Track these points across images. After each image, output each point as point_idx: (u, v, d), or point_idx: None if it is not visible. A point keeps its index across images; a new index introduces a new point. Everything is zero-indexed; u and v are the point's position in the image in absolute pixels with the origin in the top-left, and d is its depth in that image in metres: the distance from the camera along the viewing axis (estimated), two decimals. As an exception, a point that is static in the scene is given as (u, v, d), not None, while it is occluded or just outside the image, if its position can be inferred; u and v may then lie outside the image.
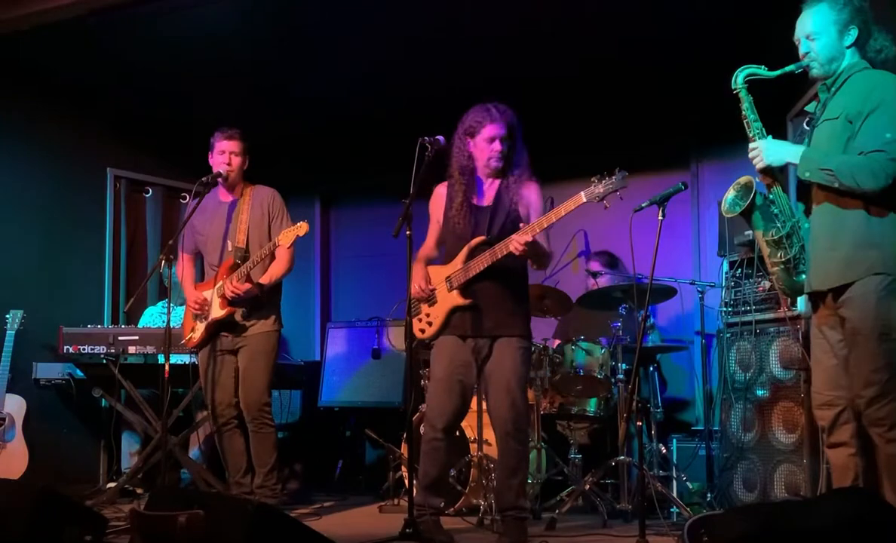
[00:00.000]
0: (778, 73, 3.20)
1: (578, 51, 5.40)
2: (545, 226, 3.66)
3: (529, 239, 3.61)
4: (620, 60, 5.49)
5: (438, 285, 3.92)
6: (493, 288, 3.83)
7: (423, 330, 3.97)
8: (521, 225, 3.78)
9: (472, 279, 3.82)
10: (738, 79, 3.24)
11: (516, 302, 3.89)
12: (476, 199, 3.95)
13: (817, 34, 3.14)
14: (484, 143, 3.88)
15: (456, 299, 3.86)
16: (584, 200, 3.57)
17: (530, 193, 3.91)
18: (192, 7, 5.08)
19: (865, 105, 3.00)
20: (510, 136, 3.88)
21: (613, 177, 3.52)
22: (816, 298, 3.18)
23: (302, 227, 4.28)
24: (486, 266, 3.77)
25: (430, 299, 3.94)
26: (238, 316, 4.52)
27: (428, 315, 3.95)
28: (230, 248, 4.58)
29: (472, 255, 3.83)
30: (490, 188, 3.96)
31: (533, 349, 4.88)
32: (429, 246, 4.09)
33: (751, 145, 3.22)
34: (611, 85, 5.77)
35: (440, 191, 4.04)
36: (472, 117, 3.90)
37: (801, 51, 3.19)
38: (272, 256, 4.51)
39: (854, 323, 3.02)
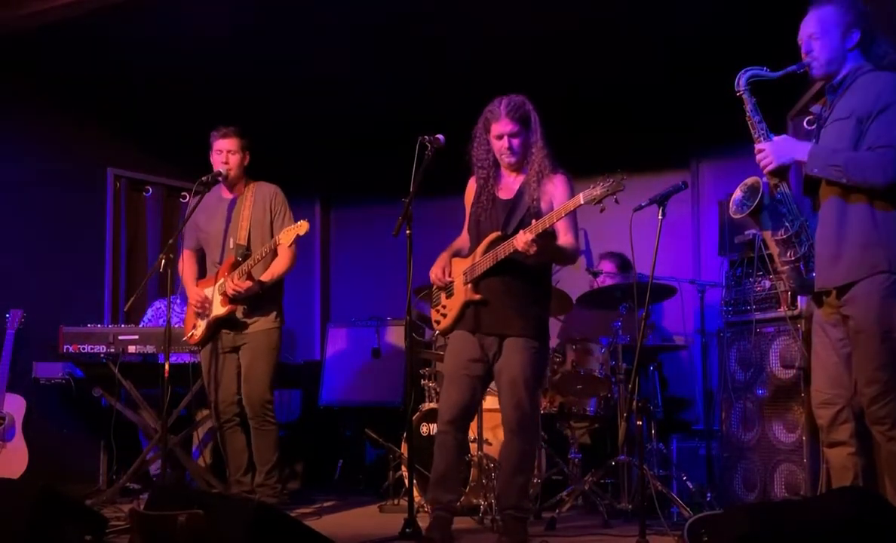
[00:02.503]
0: (780, 73, 3.19)
1: (579, 50, 5.41)
2: (546, 225, 3.62)
3: (531, 237, 3.56)
4: (621, 60, 5.49)
5: (457, 277, 3.91)
6: (505, 285, 3.79)
7: (438, 321, 3.98)
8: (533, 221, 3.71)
9: (485, 274, 3.79)
10: (741, 80, 3.23)
11: (529, 301, 3.82)
12: (500, 192, 3.92)
13: (820, 35, 3.14)
14: (494, 140, 3.86)
15: (469, 293, 3.84)
16: (583, 202, 3.53)
17: (554, 188, 3.83)
18: (193, 7, 5.07)
19: (876, 104, 3.01)
20: (523, 130, 3.82)
21: (611, 180, 3.48)
22: (819, 295, 3.18)
23: (302, 226, 4.28)
24: (494, 262, 3.74)
25: (448, 290, 3.93)
26: (239, 314, 4.52)
27: (444, 306, 3.95)
28: (231, 246, 4.58)
29: (488, 250, 3.80)
30: (514, 182, 3.92)
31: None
32: (463, 237, 4.07)
33: (757, 147, 3.20)
34: (611, 84, 5.78)
35: (472, 183, 4.03)
36: (487, 112, 3.87)
37: (803, 50, 3.20)
38: (274, 253, 4.52)
39: (857, 322, 3.02)
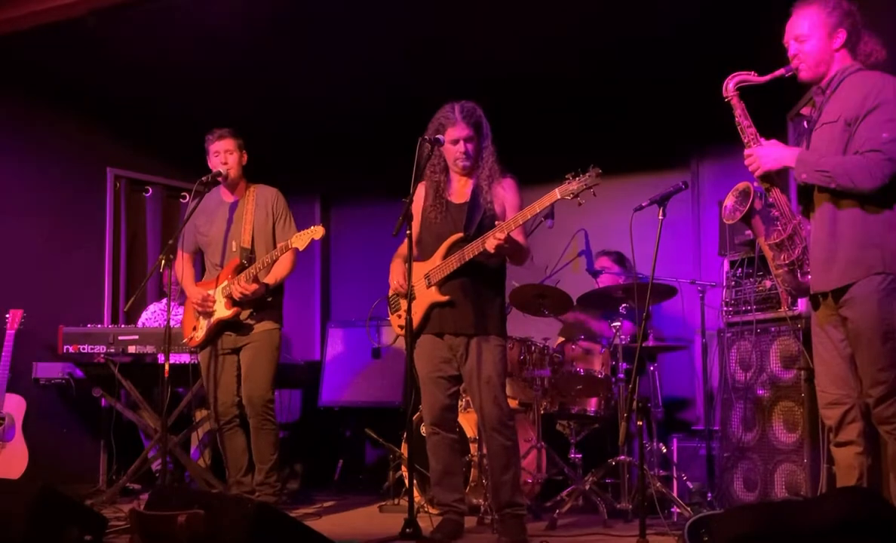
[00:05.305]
0: (768, 78, 3.19)
1: (578, 50, 5.40)
2: (520, 222, 3.72)
3: (503, 236, 3.65)
4: (621, 59, 5.49)
5: (417, 282, 3.95)
6: (470, 285, 3.88)
7: (402, 326, 4.02)
8: (497, 222, 3.81)
9: (450, 276, 3.86)
10: (730, 85, 3.24)
11: (492, 299, 3.93)
12: (452, 197, 4.00)
13: (806, 36, 3.14)
14: (448, 145, 3.91)
15: (434, 295, 3.90)
16: (559, 197, 3.63)
17: (505, 191, 3.95)
18: (193, 7, 5.07)
19: (863, 107, 3.01)
20: (476, 136, 3.91)
21: (587, 175, 3.57)
22: (816, 298, 3.18)
23: (318, 231, 4.30)
24: (462, 263, 3.81)
25: (410, 295, 3.97)
26: (244, 316, 4.53)
27: (407, 311, 3.98)
28: (234, 248, 4.58)
29: (449, 252, 3.88)
30: (465, 186, 4.00)
31: (532, 348, 4.91)
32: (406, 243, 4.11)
33: (746, 152, 3.22)
34: (611, 84, 5.78)
35: (419, 191, 4.08)
36: (439, 118, 3.93)
37: (790, 53, 3.20)
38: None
39: (856, 324, 3.02)
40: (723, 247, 4.72)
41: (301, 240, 4.30)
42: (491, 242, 3.68)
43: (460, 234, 3.89)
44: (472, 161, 3.94)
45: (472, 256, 3.79)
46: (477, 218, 3.89)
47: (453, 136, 3.89)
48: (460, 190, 4.00)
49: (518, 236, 3.83)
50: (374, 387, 6.04)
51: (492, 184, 3.93)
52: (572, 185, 3.59)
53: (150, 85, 5.92)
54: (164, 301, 5.67)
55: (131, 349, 5.22)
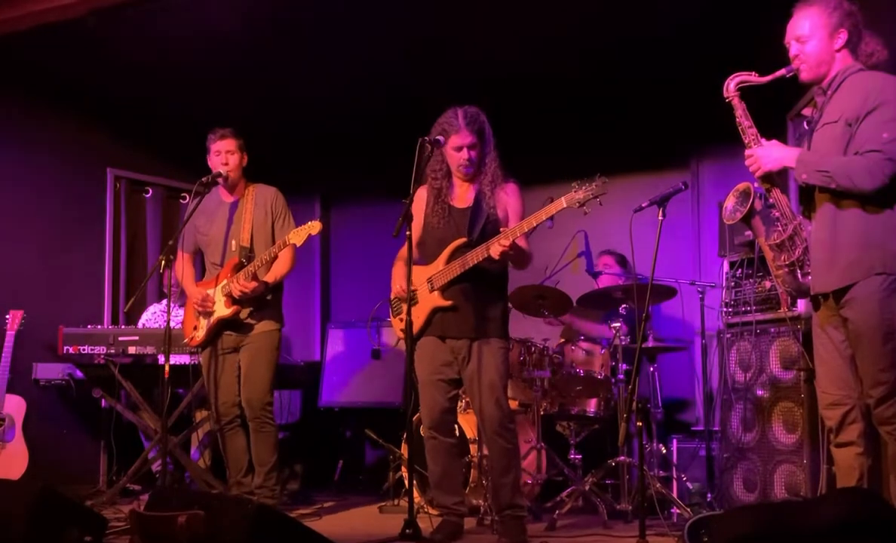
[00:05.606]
0: (769, 78, 3.19)
1: (578, 50, 5.40)
2: (525, 230, 3.71)
3: (508, 243, 3.65)
4: (621, 59, 5.49)
5: (420, 286, 3.95)
6: (473, 290, 3.88)
7: (404, 330, 4.01)
8: (501, 228, 3.81)
9: (453, 280, 3.86)
10: (730, 86, 3.24)
11: (495, 303, 3.94)
12: (455, 202, 4.00)
13: (807, 37, 3.14)
14: (452, 151, 3.91)
15: (437, 300, 3.91)
16: (565, 206, 3.61)
17: (508, 196, 3.95)
18: (193, 7, 5.07)
19: (864, 106, 3.00)
20: (479, 142, 3.90)
21: (594, 183, 3.56)
22: (816, 299, 3.18)
23: (315, 226, 4.29)
24: (466, 268, 3.81)
25: (412, 299, 3.97)
26: (244, 315, 4.53)
27: (407, 312, 3.99)
28: (234, 248, 4.58)
29: (453, 257, 3.88)
30: (468, 191, 4.00)
31: (532, 349, 4.91)
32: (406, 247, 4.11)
33: (747, 152, 3.22)
34: (611, 84, 5.78)
35: (420, 194, 4.07)
36: (442, 123, 3.92)
37: (791, 53, 3.20)
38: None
39: (857, 325, 3.02)
40: (723, 247, 4.72)
41: (299, 235, 4.30)
42: (496, 249, 3.68)
43: (463, 239, 3.89)
44: (475, 167, 3.94)
45: (475, 262, 3.78)
46: (480, 223, 3.89)
47: (456, 143, 3.88)
48: (463, 195, 4.01)
49: (522, 242, 3.82)
50: (375, 388, 6.04)
51: (494, 189, 3.92)
52: (578, 195, 3.57)
53: (150, 85, 5.92)
54: (165, 302, 5.67)
55: (131, 350, 5.22)
